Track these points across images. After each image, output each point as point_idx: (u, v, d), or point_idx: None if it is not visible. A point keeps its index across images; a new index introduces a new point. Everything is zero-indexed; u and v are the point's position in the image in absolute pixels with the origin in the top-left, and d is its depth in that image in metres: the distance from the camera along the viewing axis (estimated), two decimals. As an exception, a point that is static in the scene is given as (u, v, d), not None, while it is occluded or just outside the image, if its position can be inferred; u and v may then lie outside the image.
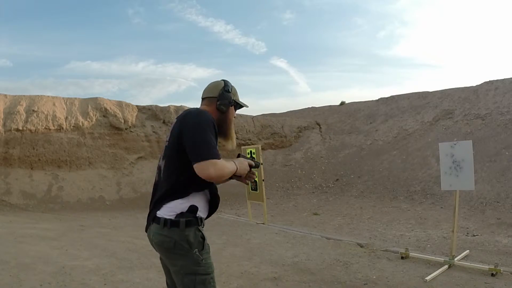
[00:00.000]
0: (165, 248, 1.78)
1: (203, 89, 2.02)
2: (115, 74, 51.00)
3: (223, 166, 1.73)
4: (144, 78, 51.09)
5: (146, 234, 1.90)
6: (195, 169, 1.69)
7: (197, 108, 1.93)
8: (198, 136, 1.72)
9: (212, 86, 1.99)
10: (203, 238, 1.80)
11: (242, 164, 1.89)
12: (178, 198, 1.78)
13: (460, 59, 59.73)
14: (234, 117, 2.04)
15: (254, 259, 4.77)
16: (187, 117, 1.81)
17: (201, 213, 1.84)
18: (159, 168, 1.91)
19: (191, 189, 1.79)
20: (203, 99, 2.00)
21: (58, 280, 3.69)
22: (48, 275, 3.82)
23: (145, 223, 1.91)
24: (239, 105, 2.04)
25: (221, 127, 1.92)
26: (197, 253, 1.75)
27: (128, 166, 12.98)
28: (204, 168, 1.68)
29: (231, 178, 1.88)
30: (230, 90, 1.95)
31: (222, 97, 1.92)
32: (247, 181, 1.96)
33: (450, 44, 58.59)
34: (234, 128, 2.05)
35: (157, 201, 1.83)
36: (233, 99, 1.96)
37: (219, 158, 1.72)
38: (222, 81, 1.98)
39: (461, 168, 4.39)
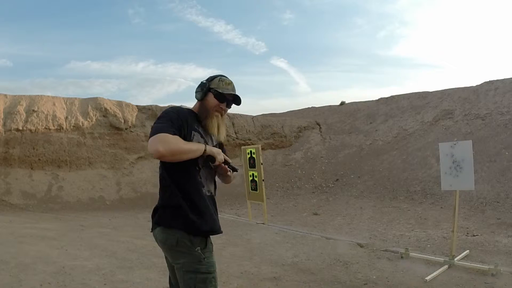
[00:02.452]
0: (168, 245, 1.81)
1: None
2: (115, 74, 51.03)
3: (175, 141, 1.69)
4: (144, 78, 51.12)
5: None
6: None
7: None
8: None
9: None
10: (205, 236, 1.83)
11: (214, 148, 1.87)
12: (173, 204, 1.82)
13: (460, 59, 59.75)
14: (222, 108, 1.97)
15: (254, 259, 4.77)
16: None
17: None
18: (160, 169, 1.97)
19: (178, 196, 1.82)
20: None
21: (58, 280, 3.69)
22: (48, 275, 3.81)
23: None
24: (224, 97, 1.95)
25: (202, 116, 1.94)
26: (199, 251, 1.78)
27: (128, 166, 12.98)
28: (150, 145, 1.67)
29: (209, 166, 1.86)
30: (209, 80, 1.98)
31: (198, 86, 1.98)
32: (226, 173, 1.92)
33: (450, 44, 58.61)
34: (219, 119, 1.98)
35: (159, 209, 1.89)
36: (210, 87, 1.94)
37: (167, 132, 1.69)
38: (214, 75, 2.03)
39: (461, 168, 4.39)
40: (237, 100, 2.01)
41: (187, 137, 1.81)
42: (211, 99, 1.94)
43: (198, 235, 1.79)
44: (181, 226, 1.77)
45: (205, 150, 1.80)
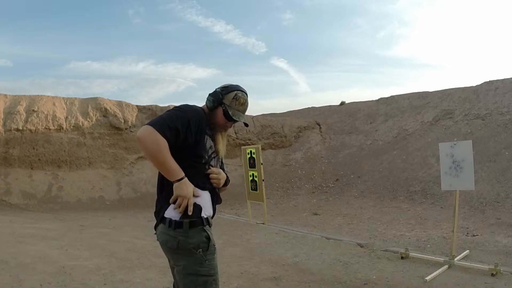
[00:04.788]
0: (169, 247, 1.80)
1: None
2: (115, 74, 50.95)
3: (158, 142, 1.64)
4: (143, 78, 51.04)
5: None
6: None
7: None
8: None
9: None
10: (208, 238, 1.80)
11: (185, 188, 1.73)
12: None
13: (460, 59, 59.69)
14: (228, 126, 1.93)
15: (254, 259, 4.77)
16: None
17: (206, 212, 1.84)
18: None
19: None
20: None
21: (58, 280, 3.69)
22: (48, 275, 3.81)
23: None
24: (233, 118, 1.89)
25: (210, 125, 1.88)
26: (201, 253, 1.76)
27: (128, 166, 12.98)
28: (142, 131, 1.66)
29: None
30: (224, 92, 1.89)
31: (211, 94, 1.90)
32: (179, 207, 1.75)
33: (450, 44, 58.55)
34: (224, 136, 1.95)
35: (164, 201, 1.83)
36: (223, 102, 1.87)
37: (160, 131, 1.65)
38: (229, 84, 1.94)
39: (461, 168, 4.39)
40: (245, 124, 2.00)
41: (200, 140, 1.80)
42: (220, 115, 1.89)
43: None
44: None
45: (179, 179, 1.71)
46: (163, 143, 1.65)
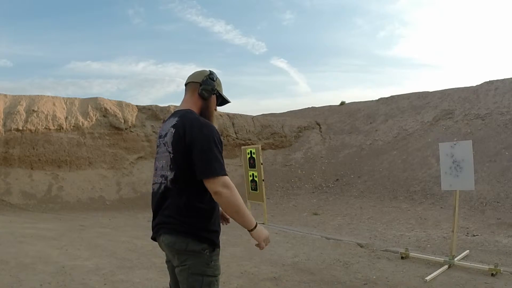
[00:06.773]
0: (177, 249, 1.76)
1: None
2: (115, 74, 51.02)
3: (239, 198, 1.71)
4: (143, 78, 51.11)
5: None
6: (206, 184, 1.68)
7: (197, 116, 1.81)
8: (209, 150, 1.70)
9: (197, 72, 1.95)
10: (215, 239, 1.82)
11: (263, 231, 1.83)
12: (194, 212, 1.76)
13: (460, 59, 59.78)
14: (215, 109, 1.98)
15: (254, 259, 4.76)
16: (195, 128, 1.74)
17: (219, 230, 1.88)
18: (164, 177, 1.81)
19: (202, 204, 1.77)
20: (186, 84, 1.95)
21: (58, 280, 3.69)
22: (48, 275, 3.81)
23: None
24: (222, 98, 1.98)
25: (204, 117, 1.85)
26: (208, 253, 1.76)
27: (128, 166, 12.98)
28: (216, 184, 1.67)
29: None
30: (214, 79, 1.91)
31: (206, 83, 1.88)
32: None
33: (450, 44, 58.64)
34: (215, 120, 1.99)
35: (170, 215, 1.78)
36: (216, 89, 1.91)
37: (225, 174, 1.71)
38: (208, 70, 1.95)
39: (461, 168, 4.39)
40: (228, 102, 2.06)
41: None
42: (214, 101, 1.93)
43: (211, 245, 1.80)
44: (203, 239, 1.76)
45: (254, 227, 1.78)
46: (239, 195, 1.71)
